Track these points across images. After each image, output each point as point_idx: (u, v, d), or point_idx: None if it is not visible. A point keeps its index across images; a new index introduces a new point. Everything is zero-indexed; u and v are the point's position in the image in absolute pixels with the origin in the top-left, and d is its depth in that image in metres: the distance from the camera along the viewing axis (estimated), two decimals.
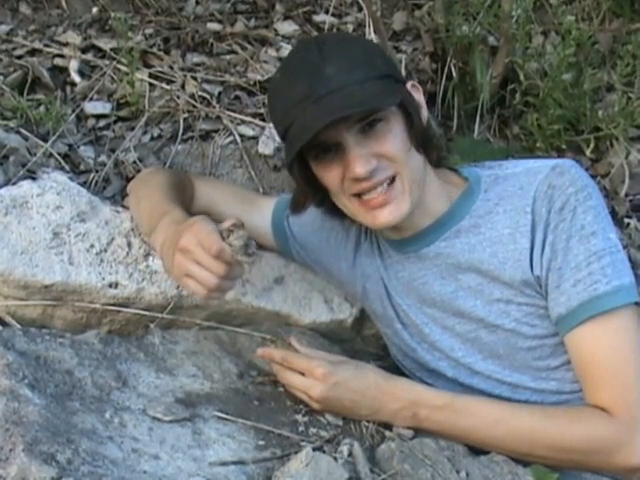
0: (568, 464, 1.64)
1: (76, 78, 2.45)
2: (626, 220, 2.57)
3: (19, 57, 2.46)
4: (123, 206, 2.02)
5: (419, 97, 1.73)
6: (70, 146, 2.26)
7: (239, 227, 1.60)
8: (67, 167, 2.19)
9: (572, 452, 1.61)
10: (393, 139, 1.64)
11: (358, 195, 1.66)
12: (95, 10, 2.65)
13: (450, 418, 1.64)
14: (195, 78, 2.47)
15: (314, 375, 1.63)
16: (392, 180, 1.65)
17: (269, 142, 2.32)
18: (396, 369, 1.98)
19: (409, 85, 1.72)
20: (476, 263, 1.74)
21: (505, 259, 1.70)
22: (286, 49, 2.59)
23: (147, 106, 2.37)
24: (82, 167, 2.22)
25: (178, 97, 2.40)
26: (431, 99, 2.64)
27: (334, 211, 1.78)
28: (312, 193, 1.75)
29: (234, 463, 1.48)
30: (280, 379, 1.71)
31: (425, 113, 1.73)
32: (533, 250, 1.67)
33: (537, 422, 1.63)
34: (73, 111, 2.34)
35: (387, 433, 1.65)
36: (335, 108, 1.57)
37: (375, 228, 1.79)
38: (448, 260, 1.77)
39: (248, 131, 2.37)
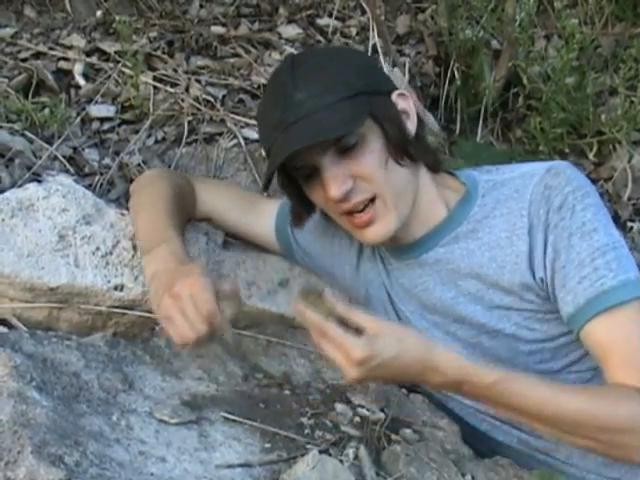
0: (604, 446, 1.56)
1: (80, 81, 2.45)
2: (629, 224, 2.58)
3: (24, 60, 2.46)
4: (128, 209, 2.02)
5: (406, 105, 1.70)
6: (75, 149, 2.26)
7: (235, 295, 1.61)
8: (72, 170, 2.18)
9: (615, 432, 1.53)
10: (370, 157, 1.63)
11: (346, 212, 1.66)
12: (99, 13, 2.65)
13: (493, 395, 1.54)
14: (199, 81, 2.47)
15: (350, 358, 1.46)
16: (372, 200, 1.64)
17: None
18: None
19: (395, 95, 1.70)
20: (475, 268, 1.73)
21: (504, 263, 1.70)
22: (289, 52, 2.59)
23: (151, 109, 2.37)
24: (87, 170, 2.22)
25: (182, 100, 2.40)
26: (434, 102, 2.65)
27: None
28: (305, 210, 1.77)
29: (240, 465, 1.48)
30: (315, 344, 1.56)
31: (414, 121, 1.71)
32: (533, 253, 1.66)
33: (583, 404, 1.54)
34: (78, 114, 2.35)
35: (393, 436, 1.65)
36: (301, 137, 1.58)
37: (367, 245, 1.80)
38: (448, 266, 1.76)
39: (252, 134, 2.37)
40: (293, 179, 1.69)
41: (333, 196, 1.61)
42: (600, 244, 1.62)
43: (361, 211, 1.64)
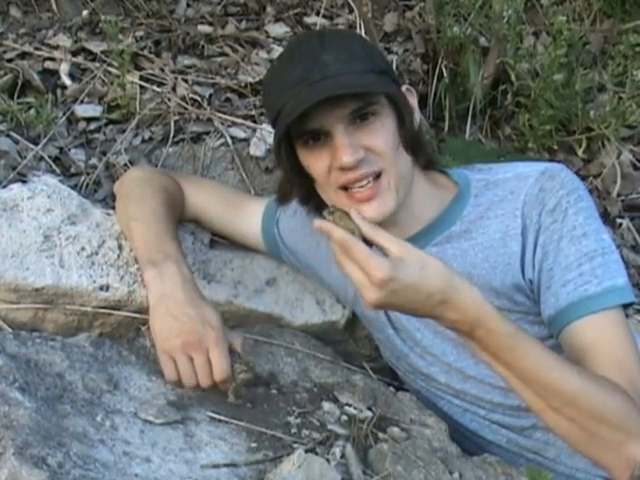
0: (586, 434, 1.50)
1: (67, 81, 2.45)
2: (618, 220, 2.58)
3: (9, 60, 2.46)
4: (114, 209, 2.01)
5: (413, 101, 1.74)
6: (61, 149, 2.26)
7: (250, 369, 1.67)
8: (58, 170, 2.18)
9: (604, 423, 1.48)
10: (384, 134, 1.64)
11: (345, 188, 1.65)
12: (85, 13, 2.65)
13: (502, 347, 1.48)
14: (186, 80, 2.47)
15: (371, 278, 1.41)
16: (378, 175, 1.64)
17: (260, 144, 2.32)
18: (390, 370, 1.98)
19: (404, 88, 1.73)
20: (468, 268, 1.72)
21: (496, 263, 1.70)
22: (277, 51, 2.59)
23: (138, 109, 2.37)
24: (73, 170, 2.22)
25: (169, 99, 2.40)
26: (422, 100, 2.64)
27: (321, 210, 1.77)
28: (298, 181, 1.74)
29: (226, 465, 1.48)
30: (336, 261, 1.49)
31: (417, 117, 1.74)
32: (525, 253, 1.67)
33: (586, 384, 1.49)
34: (64, 114, 2.34)
35: (380, 435, 1.64)
36: (329, 90, 1.58)
37: None
38: None
39: (239, 133, 2.37)
40: (292, 147, 1.67)
41: (346, 163, 1.60)
42: (588, 249, 1.62)
43: (363, 187, 1.64)
